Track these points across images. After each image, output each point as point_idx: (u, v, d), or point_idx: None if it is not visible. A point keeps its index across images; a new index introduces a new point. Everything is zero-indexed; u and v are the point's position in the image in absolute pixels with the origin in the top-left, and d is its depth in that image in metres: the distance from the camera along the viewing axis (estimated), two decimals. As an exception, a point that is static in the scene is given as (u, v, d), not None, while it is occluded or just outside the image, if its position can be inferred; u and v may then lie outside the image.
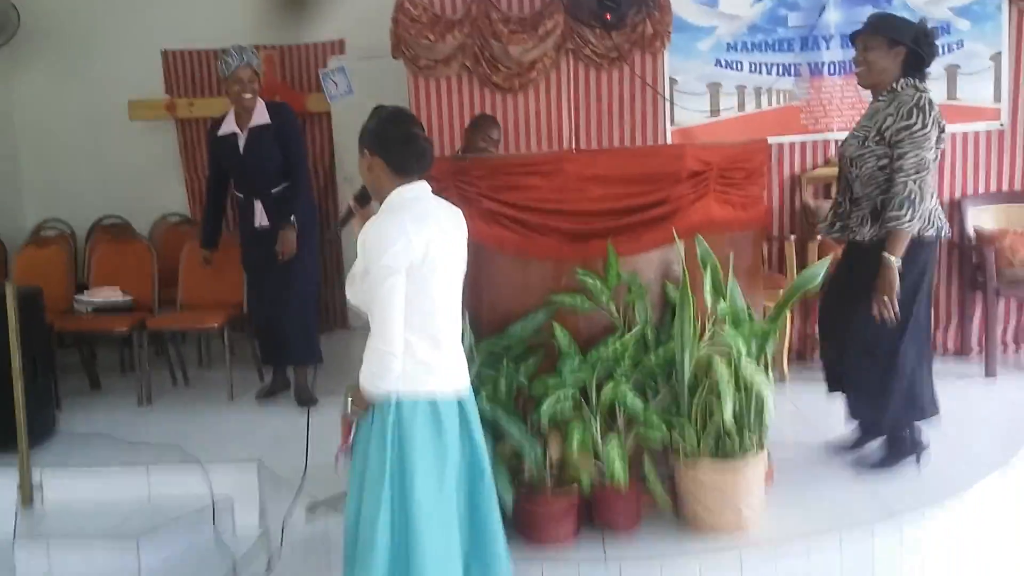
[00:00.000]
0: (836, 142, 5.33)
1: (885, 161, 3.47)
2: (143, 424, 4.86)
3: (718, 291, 3.09)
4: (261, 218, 4.87)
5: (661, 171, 3.22)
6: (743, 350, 2.99)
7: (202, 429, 4.74)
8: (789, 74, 5.35)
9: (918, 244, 3.44)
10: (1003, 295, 5.00)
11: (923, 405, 3.57)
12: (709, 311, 3.12)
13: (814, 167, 5.40)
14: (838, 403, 3.81)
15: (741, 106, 5.40)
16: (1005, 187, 5.30)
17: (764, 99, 5.39)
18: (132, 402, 5.26)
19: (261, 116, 4.84)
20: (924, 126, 3.38)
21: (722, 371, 2.92)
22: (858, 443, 3.84)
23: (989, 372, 4.89)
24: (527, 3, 5.45)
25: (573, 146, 5.45)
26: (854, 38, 3.66)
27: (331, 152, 7.11)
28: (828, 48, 5.30)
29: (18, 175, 7.48)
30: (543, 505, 3.11)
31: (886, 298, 3.36)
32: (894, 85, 3.51)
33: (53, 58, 7.26)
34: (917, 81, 3.49)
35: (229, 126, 4.90)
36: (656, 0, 5.28)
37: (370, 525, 2.44)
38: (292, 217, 4.78)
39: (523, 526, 3.07)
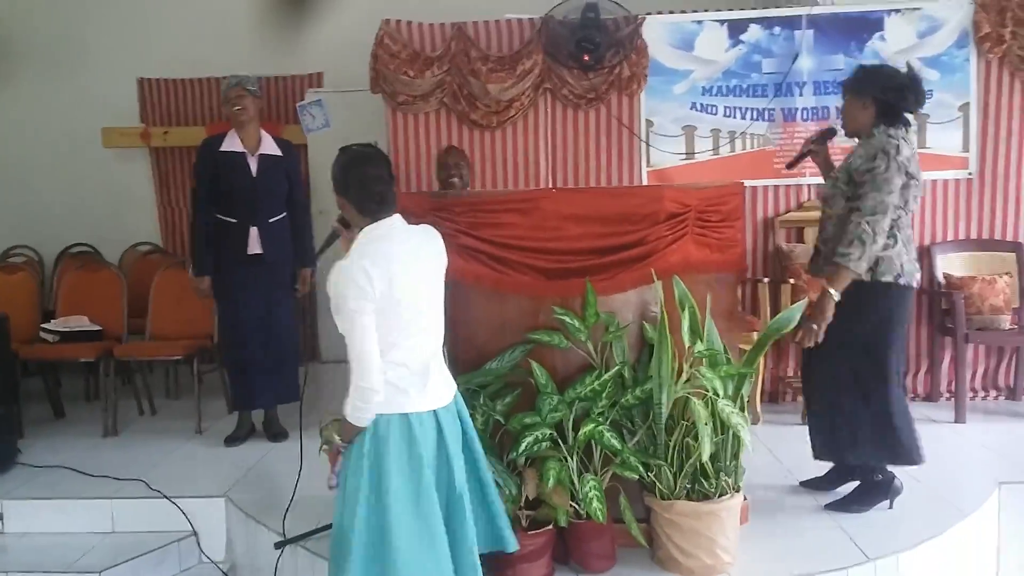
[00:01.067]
0: (809, 187, 5.45)
1: (854, 203, 3.53)
2: (108, 455, 4.77)
3: (696, 332, 3.10)
4: (254, 246, 4.75)
5: (639, 212, 3.25)
6: (720, 391, 2.99)
7: (168, 461, 4.66)
8: (763, 119, 5.43)
9: (878, 290, 3.51)
10: (971, 341, 5.07)
11: (901, 451, 3.58)
12: (686, 352, 3.12)
13: (787, 211, 5.47)
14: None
15: (716, 149, 5.47)
16: (973, 234, 5.40)
17: (738, 143, 5.46)
18: (97, 432, 5.17)
19: (271, 147, 4.83)
20: (886, 169, 3.44)
21: (700, 412, 2.93)
22: (832, 484, 3.85)
23: (959, 418, 4.94)
24: (506, 42, 5.50)
25: (550, 184, 5.48)
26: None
27: (307, 185, 7.07)
28: (801, 94, 5.39)
29: (-14, 200, 7.39)
30: (518, 543, 3.07)
31: (814, 326, 3.45)
32: (873, 131, 3.58)
33: (27, 82, 7.22)
34: (891, 128, 3.56)
35: (233, 144, 4.77)
36: (633, 43, 5.35)
37: (346, 536, 2.53)
38: (315, 258, 4.76)
39: (497, 565, 3.04)
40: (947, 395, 5.30)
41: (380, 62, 5.45)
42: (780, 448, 4.44)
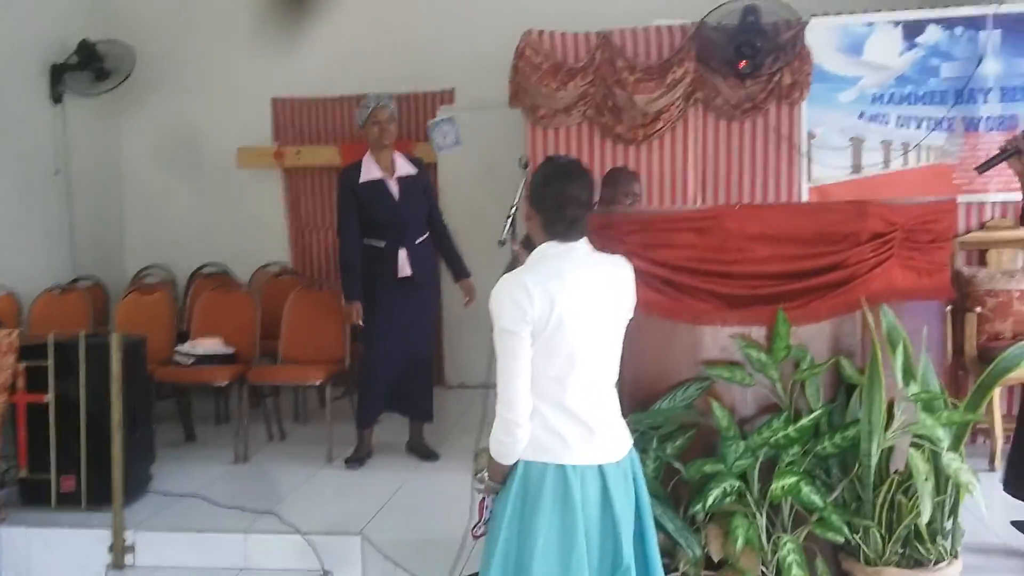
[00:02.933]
0: (993, 205, 4.88)
1: None
2: (240, 483, 4.64)
3: (909, 371, 2.66)
4: (404, 268, 4.68)
5: (839, 231, 2.84)
6: (944, 441, 2.54)
7: (301, 492, 4.48)
8: (941, 129, 4.90)
9: None
10: None
11: None
12: (897, 394, 2.68)
13: (967, 231, 4.91)
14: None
15: (887, 163, 4.97)
16: None
17: (912, 156, 4.95)
18: (228, 457, 5.04)
19: (407, 167, 4.77)
20: None
21: (919, 465, 2.49)
22: None
23: None
24: (655, 50, 5.15)
25: (698, 202, 5.08)
26: None
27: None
28: (986, 102, 4.84)
29: (122, 220, 7.46)
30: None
31: None
32: None
33: (163, 102, 7.26)
34: None
35: (372, 172, 4.71)
36: (796, 48, 4.92)
37: None
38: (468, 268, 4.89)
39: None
40: None
41: (520, 74, 5.18)
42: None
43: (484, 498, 2.38)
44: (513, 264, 2.59)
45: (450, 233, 4.95)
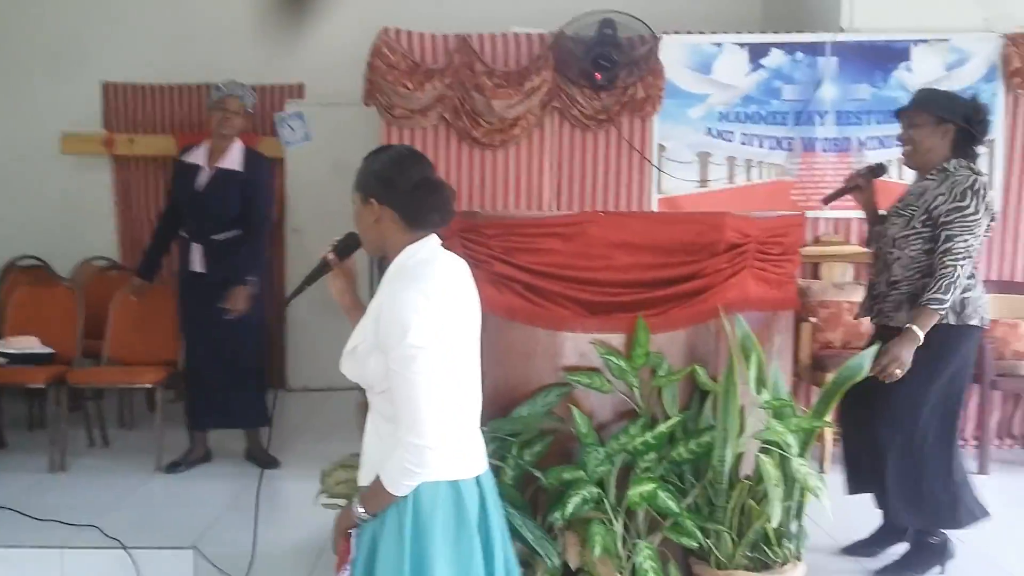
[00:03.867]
0: (826, 220, 5.15)
1: (931, 244, 3.21)
2: (57, 494, 4.24)
3: (761, 379, 2.73)
4: (198, 263, 4.47)
5: (698, 241, 2.88)
6: (793, 447, 2.62)
7: (125, 503, 4.15)
8: (782, 148, 5.13)
9: (963, 333, 3.21)
10: (994, 388, 4.77)
11: (974, 508, 3.29)
12: (750, 402, 2.74)
13: (802, 245, 5.14)
14: (855, 502, 3.46)
15: (731, 178, 5.15)
16: (994, 275, 5.14)
17: (755, 172, 5.15)
18: (43, 466, 4.61)
19: (234, 161, 4.48)
20: (976, 211, 3.14)
21: (770, 471, 2.55)
22: (879, 547, 3.49)
23: (982, 469, 4.62)
24: (514, 57, 5.13)
25: (554, 209, 5.11)
26: (898, 114, 3.41)
27: (281, 201, 6.62)
28: (823, 124, 5.10)
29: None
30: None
31: (895, 363, 3.07)
32: (945, 165, 3.26)
33: (-19, 81, 6.65)
34: (970, 162, 3.25)
35: (197, 157, 4.51)
36: (650, 63, 5.02)
37: None
38: (248, 276, 4.44)
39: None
40: (966, 442, 4.98)
41: (376, 72, 5.04)
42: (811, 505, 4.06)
43: (351, 534, 2.09)
44: (320, 271, 2.21)
45: (258, 239, 4.53)
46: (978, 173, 3.22)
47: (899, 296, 3.26)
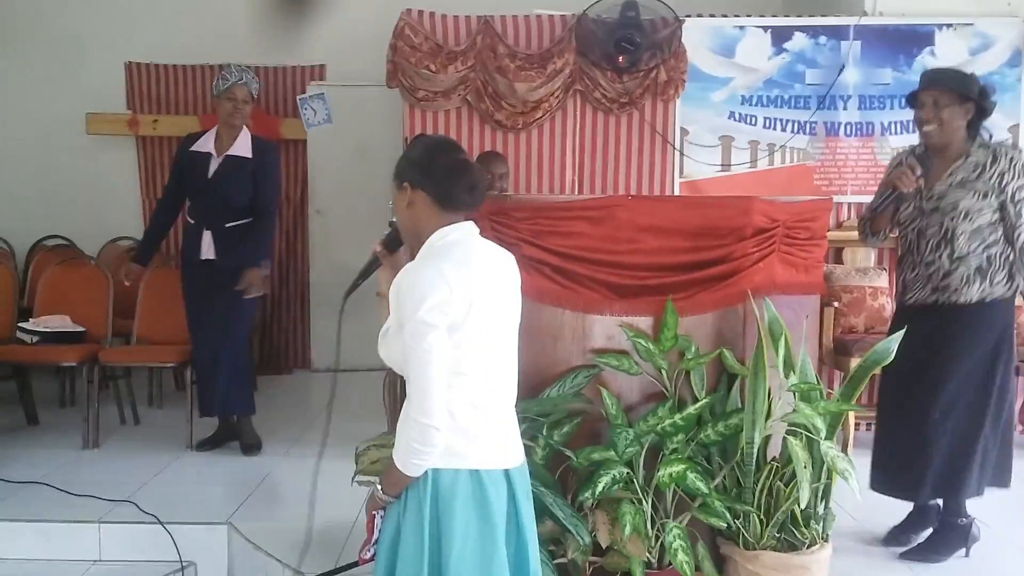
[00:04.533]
0: (849, 205, 5.16)
1: (996, 216, 3.30)
2: (92, 470, 4.32)
3: (789, 363, 2.77)
4: (208, 251, 4.46)
5: (726, 225, 2.91)
6: (821, 430, 2.66)
7: (159, 479, 4.24)
8: (804, 132, 5.15)
9: (999, 303, 3.30)
10: (1018, 374, 4.78)
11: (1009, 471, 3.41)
12: (778, 385, 2.79)
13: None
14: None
15: (753, 162, 5.17)
16: (1015, 262, 5.14)
17: (777, 156, 5.17)
18: (76, 443, 4.71)
19: (243, 147, 4.48)
20: None
21: (799, 453, 2.60)
22: (915, 533, 3.52)
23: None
24: (536, 39, 5.15)
25: (576, 191, 5.14)
26: (915, 96, 3.42)
27: (304, 182, 6.69)
28: (846, 109, 5.12)
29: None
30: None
31: None
32: (985, 141, 3.35)
33: (5, 61, 6.71)
34: (991, 140, 3.34)
35: (206, 145, 4.51)
36: (672, 46, 5.03)
37: None
38: (261, 259, 4.50)
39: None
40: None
41: (399, 54, 5.07)
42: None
43: (375, 515, 2.14)
44: (371, 266, 2.30)
45: (267, 221, 4.57)
46: (1019, 148, 3.31)
47: (966, 270, 3.29)
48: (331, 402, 2.65)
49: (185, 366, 4.79)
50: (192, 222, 4.55)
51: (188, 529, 3.67)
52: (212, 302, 4.47)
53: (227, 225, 4.46)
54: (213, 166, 4.46)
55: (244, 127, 4.51)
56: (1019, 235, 3.28)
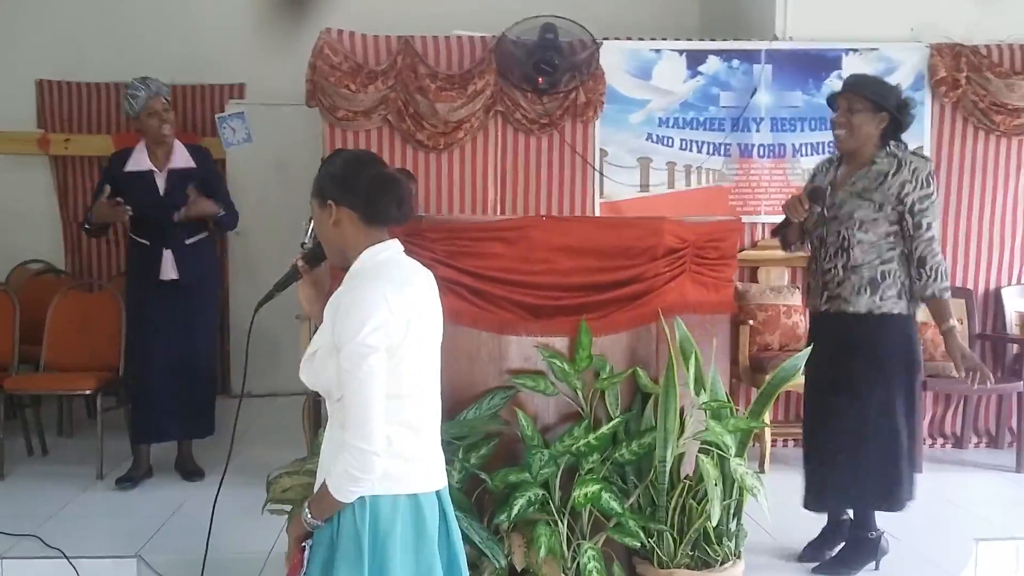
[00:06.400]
0: (763, 225, 5.28)
1: (895, 228, 3.33)
2: (-7, 503, 4.15)
3: (700, 381, 2.81)
4: (168, 271, 4.34)
5: (638, 245, 2.96)
6: (731, 448, 2.70)
7: (67, 512, 4.09)
8: (719, 154, 5.25)
9: (893, 319, 3.33)
10: (925, 388, 4.94)
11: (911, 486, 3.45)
12: (689, 403, 2.82)
13: (741, 249, 5.27)
14: (794, 502, 3.55)
15: (671, 183, 5.25)
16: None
17: (694, 177, 5.26)
18: (-22, 475, 4.52)
19: (183, 158, 4.40)
20: (935, 193, 3.34)
21: (709, 471, 2.63)
22: (830, 547, 3.57)
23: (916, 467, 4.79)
24: (457, 60, 5.16)
25: (498, 212, 5.15)
26: (835, 98, 3.46)
27: (225, 203, 6.56)
28: (759, 131, 5.23)
29: None
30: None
31: (974, 363, 3.30)
32: (893, 150, 3.35)
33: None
34: (905, 148, 3.39)
35: (142, 163, 4.38)
36: (591, 68, 5.10)
37: None
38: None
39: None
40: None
41: (319, 73, 5.02)
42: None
43: (305, 547, 2.04)
44: (290, 278, 2.22)
45: (232, 220, 4.56)
46: (925, 158, 3.40)
47: (859, 280, 3.31)
48: (235, 427, 2.58)
49: (96, 394, 4.63)
50: (147, 243, 4.37)
51: (95, 563, 3.57)
52: (174, 322, 4.36)
53: (187, 242, 4.37)
54: (161, 183, 4.35)
55: (176, 138, 4.42)
56: (916, 246, 3.29)
